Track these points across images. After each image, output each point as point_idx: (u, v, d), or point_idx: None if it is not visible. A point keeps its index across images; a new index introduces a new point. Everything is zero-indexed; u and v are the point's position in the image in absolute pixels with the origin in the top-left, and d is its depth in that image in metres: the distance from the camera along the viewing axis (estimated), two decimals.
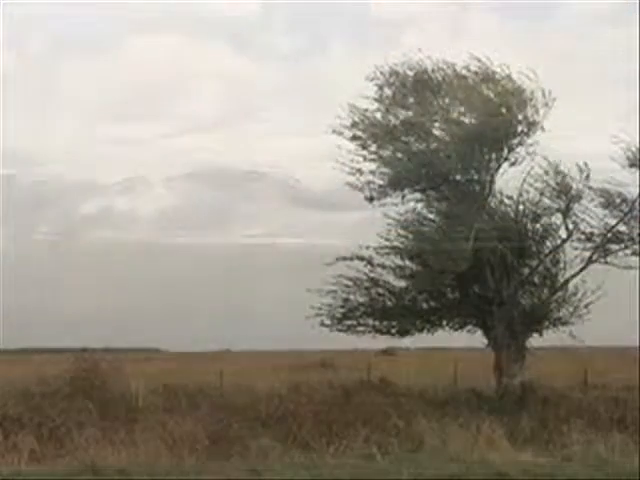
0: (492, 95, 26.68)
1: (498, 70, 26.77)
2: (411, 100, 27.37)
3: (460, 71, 27.08)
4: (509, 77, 26.67)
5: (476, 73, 26.94)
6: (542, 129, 26.88)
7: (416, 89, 27.24)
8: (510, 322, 27.41)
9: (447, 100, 27.08)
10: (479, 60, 26.85)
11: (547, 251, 28.44)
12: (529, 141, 27.06)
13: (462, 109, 26.96)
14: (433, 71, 27.27)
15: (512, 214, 28.29)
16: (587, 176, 27.35)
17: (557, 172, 27.47)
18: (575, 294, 28.20)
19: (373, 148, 27.48)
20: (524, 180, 27.72)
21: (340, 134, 27.50)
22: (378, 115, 27.60)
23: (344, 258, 27.81)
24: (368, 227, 30.31)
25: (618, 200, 27.53)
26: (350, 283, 28.14)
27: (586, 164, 27.32)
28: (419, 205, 28.32)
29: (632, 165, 27.26)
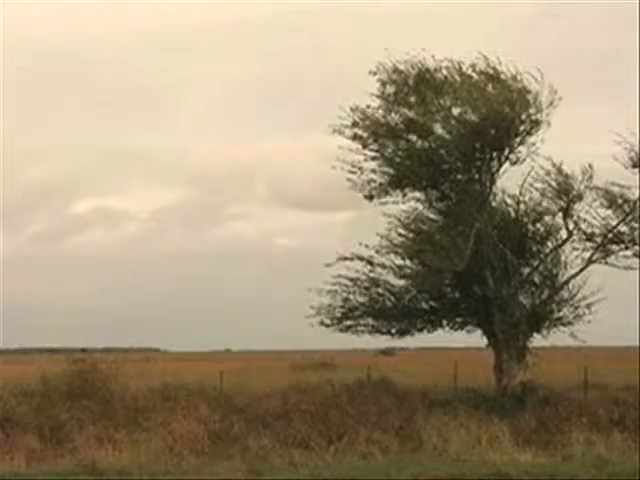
0: (495, 94, 26.50)
1: (505, 70, 26.60)
2: (413, 98, 27.24)
3: (466, 70, 26.91)
4: (515, 77, 26.51)
5: (482, 72, 26.76)
6: (548, 124, 26.69)
7: (418, 87, 27.11)
8: (510, 322, 27.34)
9: (449, 99, 26.92)
10: (487, 59, 26.68)
11: (548, 251, 28.38)
12: (531, 140, 26.95)
13: (464, 108, 26.80)
14: (436, 70, 27.13)
15: (513, 214, 28.23)
16: (589, 177, 27.25)
17: (559, 172, 27.37)
18: (576, 294, 28.14)
19: (374, 147, 27.38)
20: (525, 180, 27.66)
21: (341, 133, 27.41)
22: (380, 113, 27.48)
23: (344, 258, 27.74)
24: (368, 227, 30.21)
25: (620, 201, 27.42)
26: (350, 283, 28.07)
27: (590, 165, 27.19)
28: (420, 204, 28.27)
29: (635, 166, 27.17)
